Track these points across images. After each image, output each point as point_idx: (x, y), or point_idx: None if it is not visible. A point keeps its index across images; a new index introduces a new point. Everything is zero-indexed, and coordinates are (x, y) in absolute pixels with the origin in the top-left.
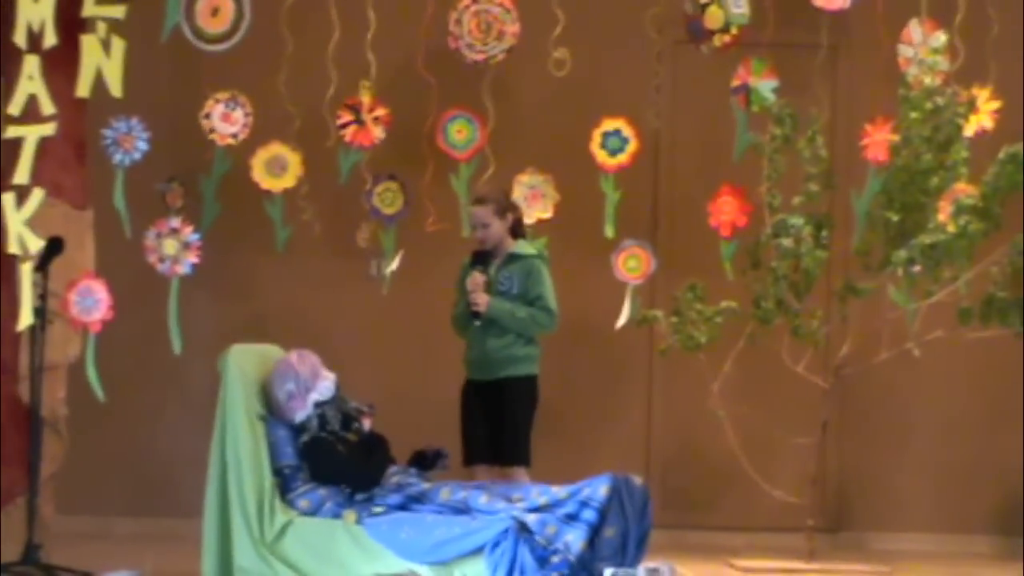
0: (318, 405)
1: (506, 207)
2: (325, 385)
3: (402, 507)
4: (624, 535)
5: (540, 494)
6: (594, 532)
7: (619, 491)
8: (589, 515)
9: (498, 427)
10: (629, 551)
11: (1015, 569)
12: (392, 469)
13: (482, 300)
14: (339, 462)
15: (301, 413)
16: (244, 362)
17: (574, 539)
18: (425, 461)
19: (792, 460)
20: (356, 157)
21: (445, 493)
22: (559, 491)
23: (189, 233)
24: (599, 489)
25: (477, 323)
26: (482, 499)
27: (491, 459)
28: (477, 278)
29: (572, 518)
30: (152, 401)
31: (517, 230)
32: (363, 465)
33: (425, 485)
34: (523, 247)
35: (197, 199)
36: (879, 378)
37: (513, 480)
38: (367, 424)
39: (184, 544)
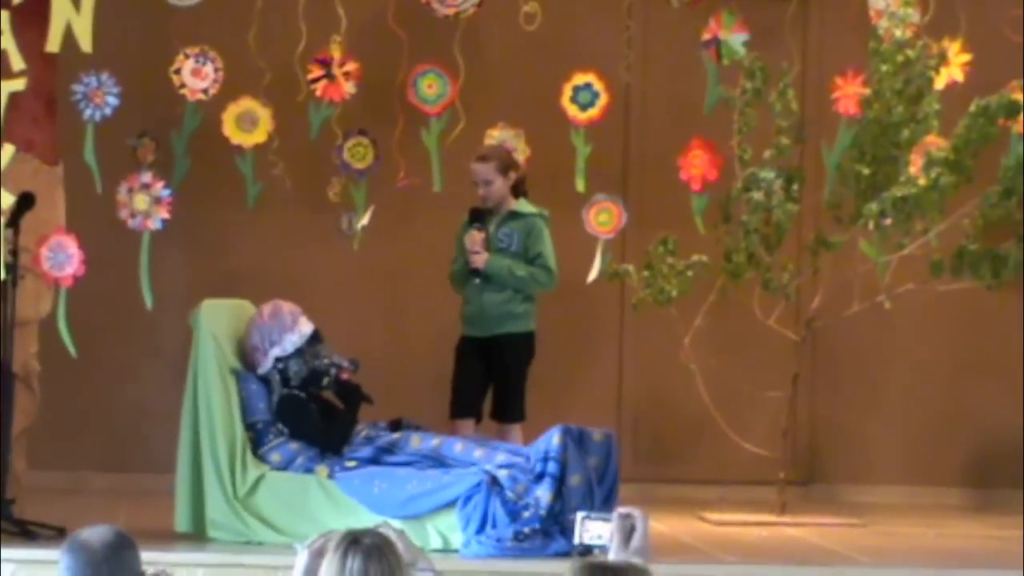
0: (280, 360)
1: (509, 165)
2: (291, 339)
3: (374, 460)
4: (588, 481)
5: (508, 452)
6: (560, 483)
7: (570, 438)
8: (552, 467)
9: (496, 383)
10: (596, 497)
11: (987, 521)
12: (359, 425)
13: (481, 258)
14: (308, 423)
15: (263, 366)
16: (216, 317)
17: (543, 494)
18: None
19: (763, 413)
20: (327, 112)
21: (415, 440)
22: (522, 456)
23: (160, 188)
24: (552, 440)
25: (477, 281)
26: (457, 447)
27: (479, 414)
28: (475, 236)
29: (539, 476)
30: (124, 356)
31: (519, 188)
32: (327, 428)
33: (395, 435)
34: (524, 205)
35: (168, 154)
36: (850, 331)
37: (507, 436)
38: (344, 377)
39: (157, 499)
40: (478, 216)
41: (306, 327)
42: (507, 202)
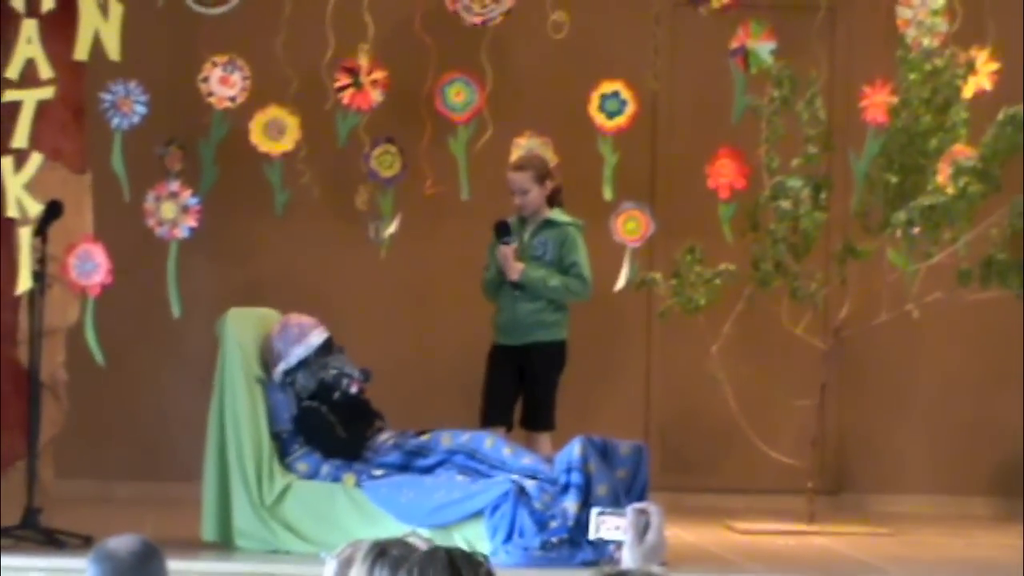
0: (288, 373)
1: (545, 174)
2: (296, 352)
3: (404, 466)
4: (615, 492)
5: (532, 459)
6: (585, 493)
7: (592, 448)
8: (575, 478)
9: (527, 391)
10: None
11: (1015, 531)
12: (386, 433)
13: (516, 270)
14: (325, 435)
15: (275, 379)
16: (242, 326)
17: (569, 504)
18: None
19: (791, 422)
20: (354, 120)
21: (446, 439)
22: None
23: (188, 197)
24: (573, 451)
25: (517, 292)
26: (487, 442)
27: (509, 423)
28: (505, 251)
29: (565, 487)
30: (151, 365)
31: (555, 198)
32: (346, 441)
33: (424, 437)
34: (559, 215)
35: (196, 163)
36: (878, 340)
37: (537, 445)
38: (354, 389)
39: (184, 508)
40: (504, 230)
41: (315, 339)
42: (542, 211)
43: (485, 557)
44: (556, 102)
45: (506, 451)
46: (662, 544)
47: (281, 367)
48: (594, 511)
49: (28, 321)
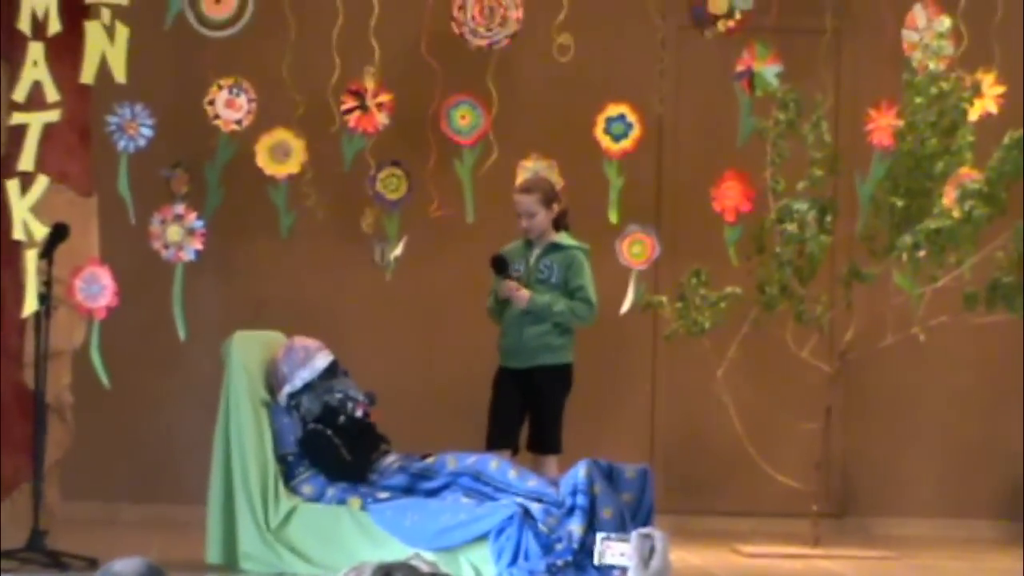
0: (292, 396)
1: (552, 197)
2: (301, 376)
3: (409, 489)
4: (621, 515)
5: (537, 481)
6: (591, 516)
7: (597, 471)
8: (581, 500)
9: (533, 414)
10: (629, 531)
11: (1020, 554)
12: (392, 456)
13: (522, 298)
14: (331, 459)
15: (280, 402)
16: (248, 348)
17: (574, 527)
18: None
19: (797, 445)
20: (360, 143)
21: (451, 462)
22: (552, 488)
23: (193, 219)
24: (579, 474)
25: (528, 319)
26: (492, 464)
27: (515, 446)
28: (508, 284)
29: (570, 510)
30: (157, 387)
31: (561, 221)
32: (352, 464)
33: (429, 460)
34: (565, 238)
35: (201, 185)
36: (884, 363)
37: (543, 468)
38: (359, 413)
39: (189, 530)
40: (501, 265)
41: (320, 362)
42: (548, 234)
43: None
44: (562, 125)
45: (511, 474)
46: (667, 569)
47: (286, 390)
48: (599, 536)
49: (34, 343)
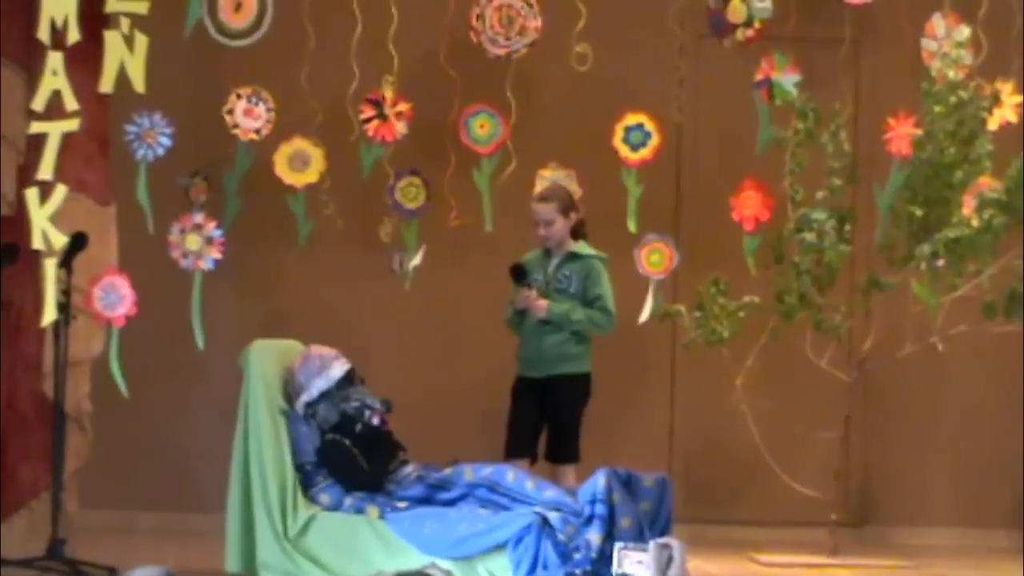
0: (309, 405)
1: (570, 206)
2: (317, 385)
3: (426, 499)
4: (639, 524)
5: (555, 492)
6: (609, 525)
7: (616, 480)
8: (600, 509)
9: (551, 424)
10: (647, 540)
11: None
12: (409, 467)
13: (540, 307)
14: (349, 468)
15: (297, 411)
16: (266, 358)
17: (593, 536)
18: None
19: (815, 454)
20: (378, 152)
21: (468, 473)
22: (570, 497)
23: (212, 228)
24: (598, 483)
25: (547, 329)
26: (509, 475)
27: (534, 455)
28: (527, 296)
29: (589, 519)
30: (175, 396)
31: (579, 230)
32: (370, 473)
33: (447, 471)
34: (583, 247)
35: (220, 194)
36: (903, 372)
37: (561, 477)
38: (376, 421)
39: (207, 539)
40: (520, 274)
41: (336, 371)
42: (566, 243)
43: None
44: (580, 134)
45: (529, 484)
46: None
47: (303, 399)
48: (617, 546)
49: (53, 352)
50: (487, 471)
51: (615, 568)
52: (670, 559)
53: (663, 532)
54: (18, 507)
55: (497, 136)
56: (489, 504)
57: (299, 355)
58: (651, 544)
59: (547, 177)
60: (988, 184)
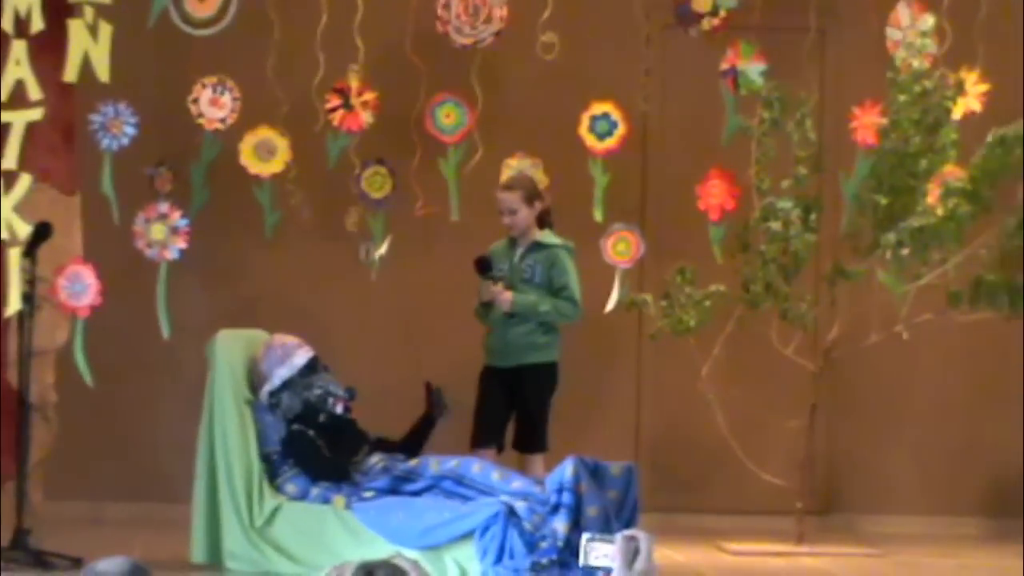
0: (273, 394)
1: (534, 195)
2: (279, 374)
3: (392, 490)
4: (606, 513)
5: (523, 481)
6: (576, 514)
7: (584, 469)
8: (567, 498)
9: (519, 413)
10: (614, 529)
11: (1005, 551)
12: (376, 456)
13: (505, 300)
14: (313, 459)
15: (261, 401)
16: (232, 347)
17: (559, 525)
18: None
19: (782, 443)
20: (344, 141)
21: (434, 465)
22: (538, 487)
23: (177, 218)
24: (565, 471)
25: (513, 318)
26: (475, 467)
27: (501, 444)
28: (492, 289)
29: (555, 508)
30: (141, 386)
31: (545, 219)
32: (328, 463)
33: (413, 462)
34: (549, 237)
35: (186, 184)
36: (868, 361)
37: (529, 466)
38: (339, 409)
39: (174, 529)
40: (485, 266)
41: (299, 359)
42: (532, 232)
43: None
44: (546, 123)
45: (495, 476)
46: (652, 571)
47: (267, 388)
48: (584, 537)
49: (17, 342)
50: (453, 463)
51: (581, 560)
52: (636, 551)
53: (630, 521)
54: None
55: (463, 126)
56: (455, 496)
57: (263, 345)
58: (618, 536)
59: (513, 167)
60: (953, 173)
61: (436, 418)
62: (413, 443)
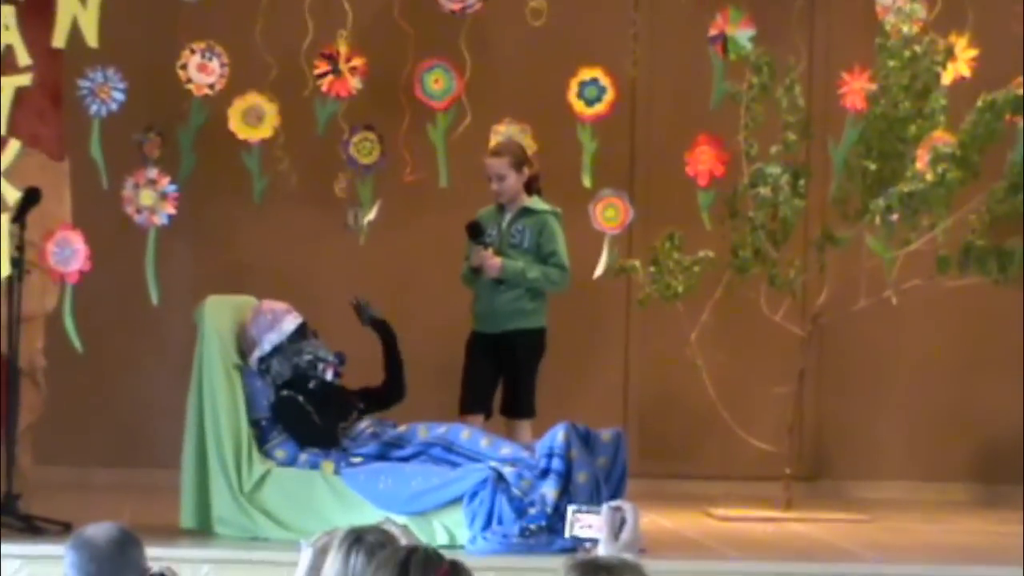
0: (262, 360)
1: (522, 161)
2: (269, 339)
3: (380, 456)
4: (595, 479)
5: (512, 447)
6: (566, 480)
7: (575, 435)
8: (557, 464)
9: (506, 379)
10: (603, 495)
11: (992, 516)
12: (365, 421)
13: (495, 266)
14: (303, 425)
15: (251, 367)
16: (220, 313)
17: (548, 491)
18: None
19: (770, 409)
20: (333, 107)
21: (423, 432)
22: (526, 452)
23: (166, 184)
24: (556, 437)
25: (501, 286)
26: (463, 434)
27: (488, 410)
28: (482, 255)
29: (545, 473)
30: (130, 351)
31: (533, 185)
32: (317, 429)
33: (401, 428)
34: (537, 203)
35: (174, 150)
36: (857, 326)
37: (516, 432)
38: (329, 374)
39: (163, 494)
40: (476, 231)
41: (288, 325)
42: (520, 199)
43: (443, 559)
44: (535, 89)
45: (483, 443)
46: (637, 541)
47: (256, 354)
48: (570, 509)
49: (6, 308)
50: (441, 430)
51: (567, 531)
52: (623, 522)
53: (618, 487)
54: None
55: (452, 91)
56: (443, 463)
57: (252, 310)
58: (604, 507)
59: (502, 132)
60: (942, 138)
61: (383, 337)
62: (392, 380)
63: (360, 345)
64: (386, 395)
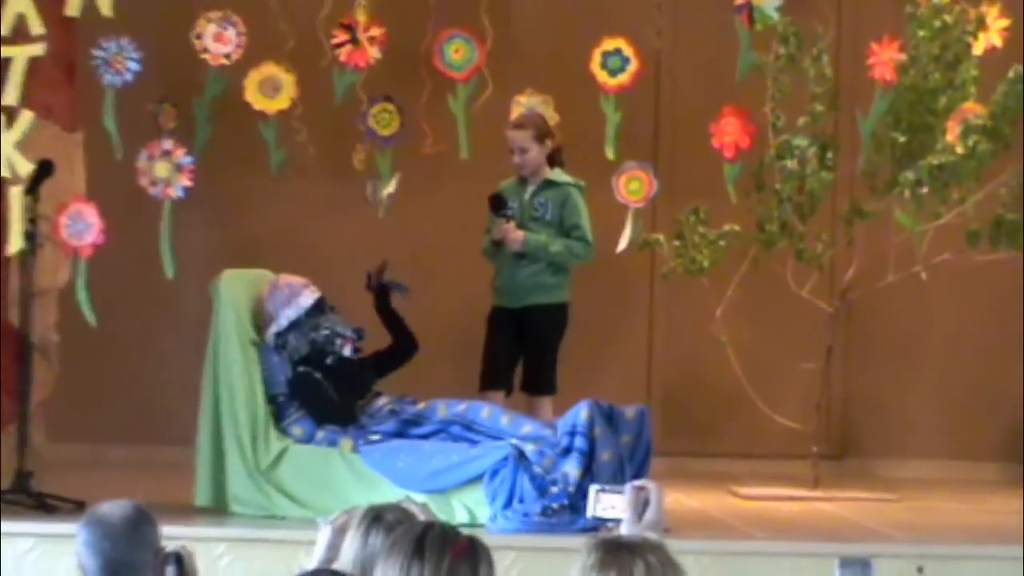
0: (279, 335)
1: (545, 133)
2: (286, 315)
3: (399, 433)
4: (619, 458)
5: (534, 424)
6: (589, 458)
7: (599, 413)
8: (579, 442)
9: (527, 354)
10: (627, 473)
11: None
12: (384, 398)
13: (517, 239)
14: (320, 402)
15: (268, 342)
16: (236, 287)
17: (571, 469)
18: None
19: (796, 386)
20: (351, 77)
21: (442, 409)
22: (548, 430)
23: (181, 155)
24: (580, 415)
25: (523, 260)
26: (484, 412)
27: (509, 387)
28: (504, 228)
29: (567, 451)
30: (144, 326)
31: (555, 157)
32: (335, 406)
33: (420, 405)
34: (560, 175)
35: (190, 121)
36: (885, 302)
37: (537, 409)
38: (347, 350)
39: (178, 472)
40: (499, 203)
41: (306, 299)
42: (543, 171)
43: (460, 535)
44: (557, 59)
45: (504, 420)
46: (661, 521)
47: (272, 329)
48: (592, 488)
49: (19, 282)
50: (461, 407)
51: (589, 511)
52: (646, 502)
53: (642, 465)
54: None
55: (472, 61)
56: (463, 441)
57: (268, 285)
58: (627, 487)
59: (523, 104)
60: (973, 110)
61: (388, 289)
62: (397, 334)
63: (378, 321)
64: (399, 351)
